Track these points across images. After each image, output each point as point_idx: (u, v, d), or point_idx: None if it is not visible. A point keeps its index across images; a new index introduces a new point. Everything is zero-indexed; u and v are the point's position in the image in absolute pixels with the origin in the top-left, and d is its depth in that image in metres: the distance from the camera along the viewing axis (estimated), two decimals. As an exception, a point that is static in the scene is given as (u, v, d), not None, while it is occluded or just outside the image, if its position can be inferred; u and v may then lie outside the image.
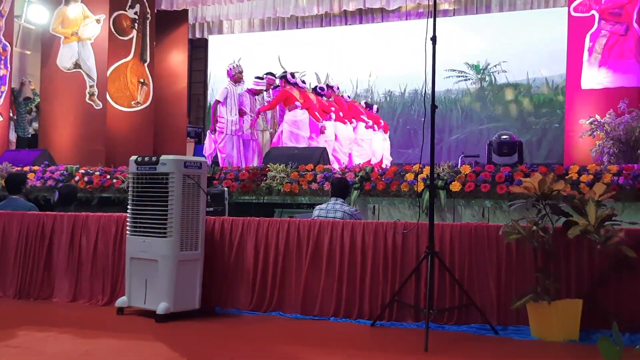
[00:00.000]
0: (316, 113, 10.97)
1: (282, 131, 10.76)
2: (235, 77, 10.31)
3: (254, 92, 10.62)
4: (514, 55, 14.85)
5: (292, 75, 11.01)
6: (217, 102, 10.19)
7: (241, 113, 10.27)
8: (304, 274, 5.45)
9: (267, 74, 11.33)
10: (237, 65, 10.52)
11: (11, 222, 6.41)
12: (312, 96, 11.36)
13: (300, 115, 10.66)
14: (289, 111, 10.71)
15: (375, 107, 14.41)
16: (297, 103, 10.63)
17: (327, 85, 12.27)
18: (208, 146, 10.66)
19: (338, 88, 12.95)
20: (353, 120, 12.77)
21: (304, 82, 11.36)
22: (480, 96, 15.44)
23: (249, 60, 15.92)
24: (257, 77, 10.90)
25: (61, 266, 6.17)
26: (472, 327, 4.90)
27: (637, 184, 6.37)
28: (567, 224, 4.70)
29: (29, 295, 6.20)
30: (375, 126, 13.61)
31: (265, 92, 11.02)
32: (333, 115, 11.70)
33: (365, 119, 13.22)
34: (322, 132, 11.04)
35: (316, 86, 12.19)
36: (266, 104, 11.09)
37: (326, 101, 12.00)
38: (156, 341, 4.55)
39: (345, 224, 5.43)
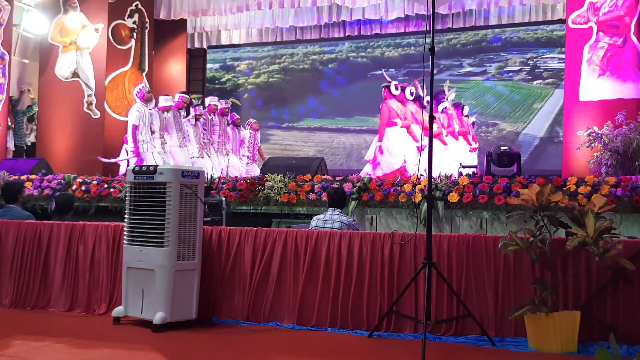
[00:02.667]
0: (415, 131, 10.39)
1: (379, 146, 10.29)
2: (146, 97, 10.33)
3: (163, 110, 10.53)
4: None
5: (396, 87, 10.54)
6: (135, 126, 10.11)
7: (151, 132, 10.33)
8: (301, 285, 5.43)
9: (182, 93, 11.34)
10: (144, 85, 10.59)
11: (8, 231, 6.39)
12: (414, 108, 10.77)
13: (398, 133, 10.22)
14: (387, 127, 10.33)
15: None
16: (395, 120, 10.20)
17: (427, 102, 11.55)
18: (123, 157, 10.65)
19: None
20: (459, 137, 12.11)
21: (412, 93, 10.83)
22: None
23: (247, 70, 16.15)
24: (165, 95, 10.85)
25: (58, 275, 6.15)
26: (469, 338, 4.89)
27: (634, 196, 6.37)
28: (567, 235, 4.70)
29: (25, 305, 6.17)
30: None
31: (179, 110, 10.88)
32: (444, 131, 11.20)
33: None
34: (419, 153, 10.22)
35: (421, 97, 11.34)
36: (189, 121, 11.02)
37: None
38: (153, 351, 4.53)
39: (343, 235, 5.42)
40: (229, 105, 12.07)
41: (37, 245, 6.26)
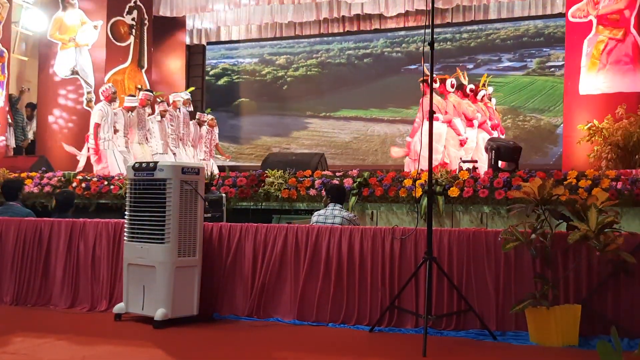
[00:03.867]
0: (457, 124, 10.27)
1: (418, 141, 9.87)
2: (110, 97, 10.47)
3: (127, 109, 10.65)
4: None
5: (435, 80, 10.25)
6: (98, 125, 10.29)
7: (115, 130, 10.44)
8: (302, 280, 5.43)
9: (146, 90, 11.51)
10: (111, 86, 10.69)
11: (8, 228, 6.39)
12: (456, 100, 10.57)
13: (439, 127, 9.93)
14: (427, 120, 10.11)
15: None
16: (437, 116, 9.85)
17: (471, 90, 11.27)
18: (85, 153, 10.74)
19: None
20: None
21: (452, 85, 10.63)
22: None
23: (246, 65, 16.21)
24: (130, 95, 10.99)
25: (58, 272, 6.15)
26: (470, 333, 4.89)
27: (635, 189, 6.37)
28: (568, 229, 4.69)
29: (26, 302, 6.18)
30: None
31: (143, 107, 11.05)
32: (476, 123, 10.90)
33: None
34: (462, 146, 10.36)
35: (461, 85, 11.11)
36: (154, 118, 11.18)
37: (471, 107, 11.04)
38: (154, 347, 4.54)
39: (344, 230, 5.42)
40: (189, 97, 12.27)
41: (37, 242, 6.26)
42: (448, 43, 14.91)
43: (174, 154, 11.34)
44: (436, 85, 10.24)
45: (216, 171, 10.87)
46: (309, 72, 15.78)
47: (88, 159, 10.42)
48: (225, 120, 15.61)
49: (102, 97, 10.56)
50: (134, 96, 11.00)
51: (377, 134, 15.02)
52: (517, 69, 14.49)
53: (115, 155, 10.18)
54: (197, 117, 12.50)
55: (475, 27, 14.56)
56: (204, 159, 12.30)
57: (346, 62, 15.56)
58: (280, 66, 15.95)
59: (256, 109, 15.99)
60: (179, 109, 11.76)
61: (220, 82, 16.34)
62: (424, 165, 9.60)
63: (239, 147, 15.94)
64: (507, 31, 14.53)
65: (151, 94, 11.47)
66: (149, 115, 11.24)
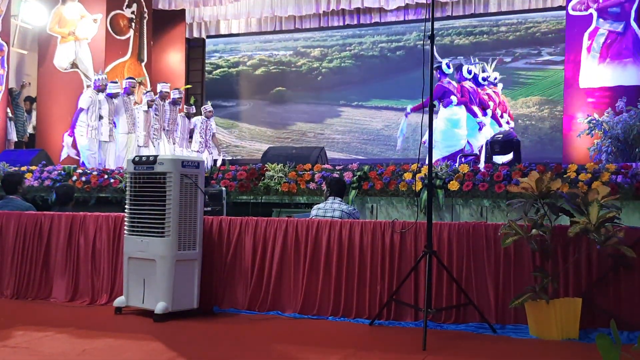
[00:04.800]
0: (474, 108, 10.31)
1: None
2: (101, 87, 10.57)
3: (111, 96, 10.69)
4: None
5: (448, 65, 10.47)
6: (81, 109, 10.41)
7: (100, 117, 10.54)
8: (302, 274, 5.44)
9: (128, 78, 11.48)
10: (104, 78, 10.78)
11: (9, 222, 6.39)
12: (471, 88, 10.65)
13: (457, 112, 10.07)
14: (444, 107, 10.21)
15: None
16: (452, 98, 10.06)
17: (483, 79, 11.46)
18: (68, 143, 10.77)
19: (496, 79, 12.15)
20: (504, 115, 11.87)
21: (469, 72, 10.74)
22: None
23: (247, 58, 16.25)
24: (113, 82, 10.95)
25: (59, 266, 6.16)
26: (470, 326, 4.90)
27: (635, 183, 6.37)
28: (570, 223, 4.69)
29: (27, 295, 6.19)
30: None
31: (129, 96, 11.10)
32: (489, 112, 11.05)
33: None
34: (480, 130, 10.43)
35: (475, 75, 11.30)
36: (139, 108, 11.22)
37: (486, 94, 11.19)
38: (154, 341, 4.54)
39: (344, 224, 5.42)
40: (182, 95, 12.23)
41: (38, 236, 6.26)
42: (485, 36, 14.87)
43: (154, 145, 11.30)
44: (450, 71, 10.29)
45: (209, 164, 10.89)
46: (342, 64, 16.16)
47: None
48: (263, 108, 16.35)
49: (92, 85, 10.65)
50: (116, 82, 10.98)
51: (407, 123, 15.28)
52: (558, 63, 14.39)
53: (99, 144, 10.35)
54: (185, 109, 12.42)
55: (514, 18, 14.53)
56: (197, 151, 12.26)
57: (378, 55, 15.85)
58: (315, 58, 16.32)
59: (292, 98, 16.40)
60: (166, 100, 11.69)
61: (258, 72, 16.71)
62: (446, 153, 9.75)
63: (276, 131, 16.32)
64: (548, 24, 14.46)
65: (134, 80, 11.44)
66: (135, 104, 11.24)
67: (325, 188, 6.43)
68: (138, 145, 10.92)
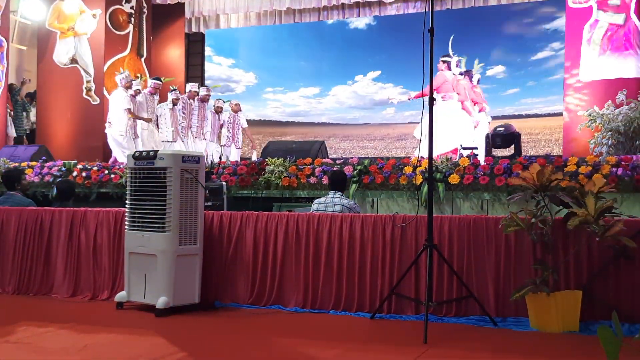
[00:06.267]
0: (467, 105, 10.41)
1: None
2: (126, 85, 10.94)
3: (134, 95, 11.08)
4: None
5: (459, 64, 10.67)
6: (129, 110, 10.85)
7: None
8: (303, 268, 5.45)
9: (154, 79, 11.78)
10: (128, 75, 11.17)
11: (9, 217, 6.40)
12: (466, 84, 10.76)
13: (454, 107, 10.21)
14: (443, 100, 10.36)
15: None
16: (451, 93, 10.23)
17: (466, 71, 11.50)
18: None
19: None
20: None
21: (457, 64, 10.89)
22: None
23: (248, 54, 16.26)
24: (133, 80, 11.35)
25: (60, 262, 6.17)
26: (471, 319, 4.91)
27: (635, 175, 6.37)
28: (568, 215, 4.70)
29: (28, 291, 6.20)
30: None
31: (153, 96, 11.50)
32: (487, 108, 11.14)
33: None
34: (476, 127, 10.55)
35: (470, 72, 11.37)
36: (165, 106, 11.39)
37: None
38: (156, 335, 4.55)
39: (344, 218, 5.42)
40: (210, 93, 12.32)
41: (39, 231, 6.27)
42: (483, 29, 14.81)
43: (183, 141, 11.47)
44: (458, 70, 10.36)
45: (233, 158, 11.02)
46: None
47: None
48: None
49: (120, 85, 10.94)
50: (137, 79, 11.35)
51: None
52: (558, 56, 14.34)
53: (135, 143, 10.69)
54: (214, 105, 12.42)
55: (513, 11, 14.46)
56: (224, 145, 12.30)
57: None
58: None
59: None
60: (193, 99, 11.84)
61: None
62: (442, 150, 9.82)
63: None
64: (547, 17, 14.42)
65: (159, 82, 11.65)
66: (159, 103, 11.49)
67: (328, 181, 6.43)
68: (167, 141, 11.16)
